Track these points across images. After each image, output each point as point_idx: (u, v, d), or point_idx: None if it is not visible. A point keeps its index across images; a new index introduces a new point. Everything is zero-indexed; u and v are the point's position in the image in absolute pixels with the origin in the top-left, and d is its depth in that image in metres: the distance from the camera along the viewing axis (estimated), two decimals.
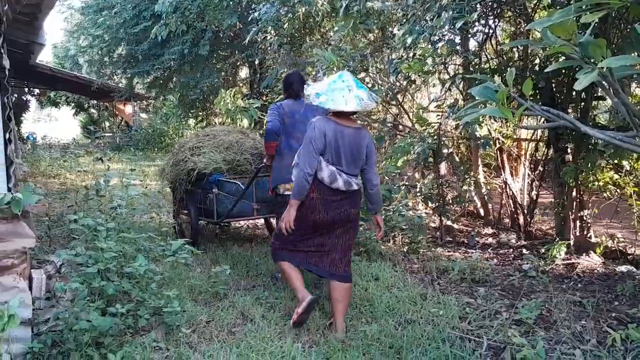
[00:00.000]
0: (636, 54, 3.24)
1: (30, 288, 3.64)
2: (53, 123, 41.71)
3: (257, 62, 12.65)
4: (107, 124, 28.74)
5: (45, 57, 29.54)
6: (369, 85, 6.90)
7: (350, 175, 3.49)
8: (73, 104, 29.31)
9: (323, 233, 3.58)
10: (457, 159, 7.30)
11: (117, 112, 25.93)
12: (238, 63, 13.61)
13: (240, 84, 15.56)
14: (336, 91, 3.40)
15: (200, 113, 16.03)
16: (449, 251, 5.60)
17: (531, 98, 5.32)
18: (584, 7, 2.05)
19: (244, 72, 15.52)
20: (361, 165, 3.54)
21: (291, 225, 3.47)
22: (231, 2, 10.02)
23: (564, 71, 4.98)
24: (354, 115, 3.70)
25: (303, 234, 3.58)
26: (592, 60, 2.09)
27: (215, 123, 13.76)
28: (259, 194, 5.38)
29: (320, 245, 3.61)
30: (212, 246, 5.65)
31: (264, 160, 4.90)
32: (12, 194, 3.13)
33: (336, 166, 3.44)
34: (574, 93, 5.17)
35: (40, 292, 3.74)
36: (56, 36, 49.22)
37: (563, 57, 2.26)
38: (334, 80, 3.48)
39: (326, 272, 3.60)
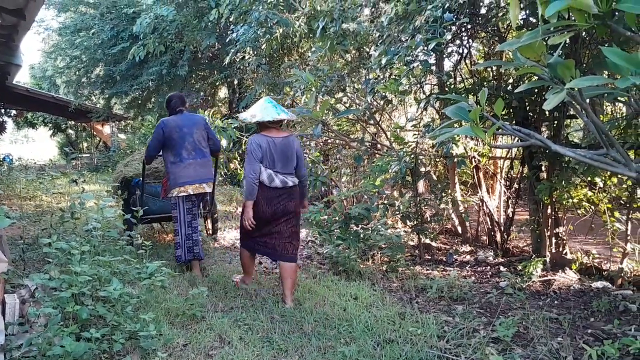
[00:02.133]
0: (606, 74, 3.31)
1: (4, 313, 3.55)
2: (30, 144, 41.19)
3: (235, 82, 12.69)
4: (84, 144, 28.45)
5: (22, 77, 29.27)
6: (347, 105, 6.95)
7: (286, 174, 4.46)
8: (50, 125, 29.00)
9: (270, 222, 4.50)
10: (434, 177, 7.35)
11: (95, 133, 25.69)
12: (217, 83, 13.61)
13: (220, 104, 15.55)
14: (267, 109, 4.48)
15: None
16: (427, 269, 5.61)
17: (505, 117, 5.42)
18: (552, 29, 2.09)
19: (223, 92, 15.53)
20: (294, 165, 4.53)
21: (252, 221, 4.41)
22: (209, 23, 10.04)
23: (536, 90, 5.06)
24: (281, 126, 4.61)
25: (256, 227, 4.47)
26: (561, 80, 2.13)
27: None
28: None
29: (270, 234, 4.54)
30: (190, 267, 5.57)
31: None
32: None
33: (273, 169, 4.41)
34: (546, 112, 5.25)
35: (14, 317, 3.64)
36: (33, 57, 48.91)
37: (535, 77, 2.30)
38: (263, 103, 4.59)
39: (277, 255, 4.55)
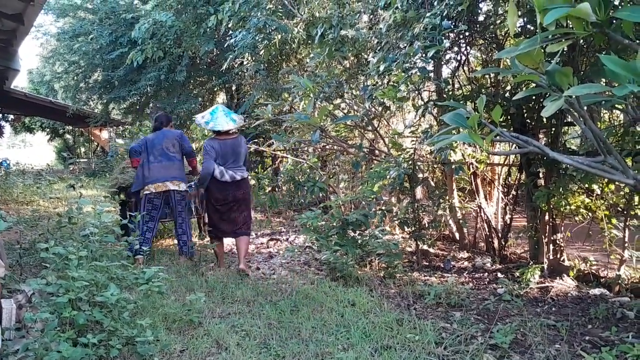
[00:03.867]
0: (603, 81, 3.32)
1: (0, 318, 3.54)
2: (27, 149, 41.13)
3: (234, 87, 12.69)
4: (82, 149, 28.42)
5: (20, 82, 29.27)
6: (345, 111, 6.95)
7: (235, 168, 5.72)
8: (48, 130, 28.97)
9: (224, 206, 5.78)
10: (432, 183, 7.35)
11: (92, 138, 25.67)
12: (215, 89, 13.58)
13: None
14: (219, 118, 5.71)
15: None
16: (425, 275, 5.60)
17: (503, 124, 5.43)
18: (550, 36, 2.10)
19: (221, 98, 15.51)
20: (243, 160, 5.81)
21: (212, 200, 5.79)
22: (208, 29, 10.05)
23: (534, 97, 5.07)
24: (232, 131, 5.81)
25: (216, 213, 5.82)
26: (559, 88, 2.14)
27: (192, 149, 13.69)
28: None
29: (228, 218, 5.80)
30: (187, 273, 5.57)
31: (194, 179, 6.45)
32: None
33: (224, 166, 5.68)
34: (544, 119, 5.27)
35: (10, 322, 3.63)
36: (31, 62, 48.90)
37: (533, 85, 2.31)
38: (214, 110, 5.84)
39: (233, 232, 5.86)
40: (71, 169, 21.64)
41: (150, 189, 5.96)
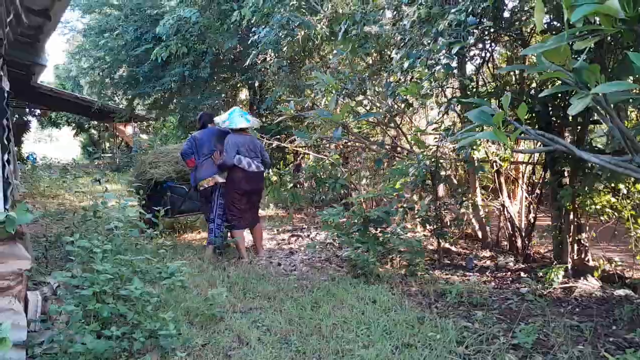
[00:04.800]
0: (631, 79, 3.27)
1: (26, 310, 3.61)
2: (53, 143, 41.80)
3: (257, 84, 12.72)
4: (107, 144, 28.80)
5: (47, 77, 29.78)
6: (367, 108, 6.94)
7: (257, 160, 6.24)
8: (74, 125, 29.43)
9: (250, 197, 6.27)
10: (454, 181, 7.29)
11: (117, 133, 26.02)
12: (238, 85, 13.66)
13: (240, 106, 15.61)
14: (235, 118, 6.22)
15: None
16: (446, 274, 5.57)
17: (528, 122, 5.36)
18: (577, 33, 2.07)
19: (244, 94, 15.58)
20: (259, 154, 6.29)
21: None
22: (231, 25, 10.10)
23: (560, 95, 5.00)
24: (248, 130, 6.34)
25: (242, 204, 6.20)
26: (586, 85, 2.11)
27: None
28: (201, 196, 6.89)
29: (247, 208, 6.28)
30: (209, 268, 5.62)
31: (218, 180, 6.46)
32: (6, 212, 3.12)
33: (250, 157, 6.16)
34: (570, 117, 5.19)
35: (36, 314, 3.71)
36: (58, 57, 49.49)
37: (559, 82, 2.28)
38: (231, 112, 6.36)
39: (253, 222, 6.43)
40: (96, 163, 21.95)
41: (203, 184, 6.43)
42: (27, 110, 23.63)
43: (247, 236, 6.66)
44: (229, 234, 6.31)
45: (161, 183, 7.26)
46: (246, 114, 6.41)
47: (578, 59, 2.19)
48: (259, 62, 9.74)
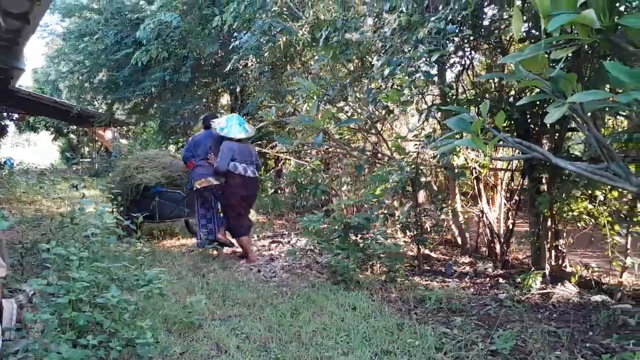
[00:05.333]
0: (608, 87, 3.31)
1: (1, 318, 3.53)
2: (31, 148, 41.19)
3: (238, 89, 12.68)
4: (86, 149, 28.48)
5: (25, 81, 29.36)
6: (349, 114, 6.95)
7: (252, 166, 6.36)
8: (52, 129, 29.04)
9: (247, 202, 6.45)
10: (435, 187, 7.32)
11: (96, 138, 25.72)
12: (219, 90, 13.59)
13: (222, 111, 15.53)
14: (233, 127, 6.35)
15: (181, 139, 15.95)
16: (426, 280, 5.59)
17: (506, 129, 5.41)
18: (554, 42, 2.09)
19: (225, 99, 15.52)
20: (254, 160, 6.44)
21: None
22: (213, 30, 10.07)
23: (538, 103, 5.05)
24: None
25: (241, 209, 6.35)
26: (563, 94, 2.13)
27: None
28: (188, 202, 7.45)
29: (244, 213, 6.45)
30: (189, 275, 5.57)
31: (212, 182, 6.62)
32: None
33: (246, 163, 6.29)
34: (548, 125, 5.25)
35: (11, 322, 3.62)
36: (37, 61, 48.97)
37: (537, 90, 2.30)
38: (230, 118, 6.49)
39: (248, 229, 6.55)
40: (75, 168, 21.68)
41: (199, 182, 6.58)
42: (5, 114, 23.25)
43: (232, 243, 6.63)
44: (220, 235, 6.59)
45: (150, 188, 7.28)
46: (244, 123, 6.55)
47: (555, 67, 2.21)
48: (241, 67, 9.72)
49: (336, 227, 5.84)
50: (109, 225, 4.59)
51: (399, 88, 5.31)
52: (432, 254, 6.67)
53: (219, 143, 6.44)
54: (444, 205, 6.44)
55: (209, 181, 6.50)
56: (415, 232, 6.16)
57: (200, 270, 5.82)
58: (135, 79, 12.96)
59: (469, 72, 6.31)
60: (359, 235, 5.85)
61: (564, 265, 5.40)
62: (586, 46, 4.33)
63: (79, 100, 16.47)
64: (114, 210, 6.66)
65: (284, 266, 6.26)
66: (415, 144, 6.35)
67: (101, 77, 14.92)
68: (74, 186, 6.10)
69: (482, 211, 6.38)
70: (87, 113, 18.36)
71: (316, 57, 7.12)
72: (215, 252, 6.58)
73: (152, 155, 8.06)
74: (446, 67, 6.11)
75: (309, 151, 9.60)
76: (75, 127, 26.99)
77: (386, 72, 5.01)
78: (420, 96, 5.86)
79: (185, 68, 11.64)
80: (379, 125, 7.16)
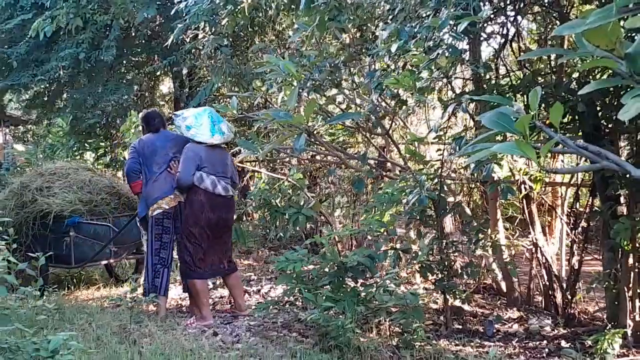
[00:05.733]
0: None
1: None
2: None
3: (184, 71, 12.69)
4: None
5: None
6: (343, 107, 6.98)
7: (226, 179, 6.46)
8: None
9: (215, 232, 6.37)
10: (467, 211, 7.35)
11: None
12: (158, 73, 13.60)
13: (161, 102, 15.56)
14: (203, 126, 6.31)
15: (102, 144, 15.89)
16: (456, 344, 5.58)
17: (567, 127, 5.45)
18: (631, 5, 2.11)
19: (166, 86, 15.53)
20: (231, 172, 6.60)
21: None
22: None
23: (611, 91, 5.10)
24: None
25: (204, 241, 6.30)
26: None
27: (125, 158, 13.63)
28: (117, 237, 7.54)
29: (216, 246, 6.46)
30: (113, 340, 5.53)
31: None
32: None
33: (215, 175, 6.34)
34: (625, 122, 5.28)
35: None
36: None
37: (609, 72, 2.32)
38: (199, 114, 6.40)
39: (225, 270, 6.64)
40: None
41: (162, 205, 6.56)
42: None
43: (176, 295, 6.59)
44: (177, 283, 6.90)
45: (62, 218, 7.27)
46: (220, 121, 6.57)
47: (634, 39, 2.22)
48: (188, 40, 9.73)
49: (326, 270, 5.83)
50: None
51: (414, 69, 5.34)
52: (465, 307, 6.67)
53: (182, 146, 6.48)
54: (480, 236, 6.45)
55: (178, 197, 6.55)
56: (440, 276, 6.15)
57: (130, 333, 5.77)
58: (35, 58, 12.90)
59: (513, 46, 6.36)
60: (360, 281, 5.84)
61: None
62: None
63: None
64: (6, 247, 6.61)
65: (251, 326, 6.24)
66: (439, 149, 6.37)
67: None
68: None
69: (535, 244, 6.40)
70: None
71: (296, 26, 7.16)
72: (153, 307, 6.54)
73: (62, 169, 8.04)
74: (480, 39, 6.16)
75: (286, 160, 9.61)
76: None
77: (395, 46, 5.03)
78: (444, 81, 5.89)
79: (108, 42, 11.60)
80: (386, 123, 7.18)
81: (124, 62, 13.27)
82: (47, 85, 13.98)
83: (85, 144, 15.98)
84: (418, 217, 6.21)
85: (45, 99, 15.01)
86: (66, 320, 6.07)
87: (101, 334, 5.66)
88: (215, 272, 6.62)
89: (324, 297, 5.62)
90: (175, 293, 7.47)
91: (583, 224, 6.36)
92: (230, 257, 6.79)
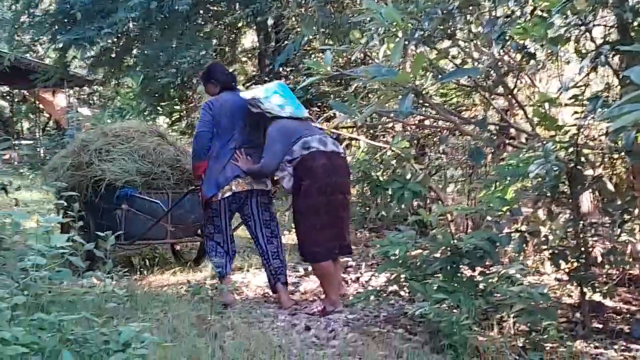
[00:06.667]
0: None
1: None
2: None
3: (270, 22, 12.78)
4: (25, 125, 29.32)
5: None
6: (457, 61, 6.89)
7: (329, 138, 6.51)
8: None
9: (328, 197, 6.15)
10: (610, 186, 7.18)
11: (41, 106, 26.42)
12: (240, 24, 13.76)
13: (244, 59, 15.75)
14: (276, 98, 6.38)
15: (177, 107, 16.19)
16: (596, 346, 5.49)
17: None
18: None
19: (249, 40, 15.70)
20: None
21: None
22: None
23: None
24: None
25: (325, 214, 6.16)
26: None
27: None
28: (175, 214, 7.52)
29: (331, 217, 6.23)
30: (191, 333, 5.65)
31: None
32: None
33: (318, 134, 6.39)
34: None
35: None
36: None
37: None
38: (269, 89, 6.49)
39: (348, 247, 6.68)
40: (6, 156, 22.37)
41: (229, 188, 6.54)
42: None
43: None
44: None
45: (115, 188, 7.37)
46: (294, 98, 6.78)
47: None
48: None
49: (437, 255, 5.81)
50: (60, 252, 4.69)
51: (544, 15, 5.23)
52: (607, 302, 6.55)
53: (256, 122, 6.55)
54: (625, 218, 6.30)
55: (247, 184, 6.53)
56: (575, 264, 6.05)
57: (211, 326, 5.89)
58: (101, 9, 13.19)
59: None
60: (477, 269, 5.80)
61: None
62: None
63: (12, 45, 16.86)
64: (69, 225, 6.78)
65: (349, 320, 6.27)
66: (575, 112, 6.24)
67: (46, 7, 15.24)
68: (2, 187, 6.22)
69: None
70: (26, 65, 18.83)
71: None
72: (234, 296, 6.66)
73: (128, 132, 8.08)
74: None
75: (389, 125, 9.59)
76: (6, 88, 27.82)
77: None
78: (582, 29, 5.74)
79: None
80: (510, 81, 7.07)
81: (201, 12, 13.44)
82: (115, 39, 14.30)
83: (158, 107, 16.24)
84: (549, 194, 6.10)
85: (113, 55, 15.36)
86: (139, 308, 6.23)
87: (177, 325, 5.79)
88: (336, 250, 6.40)
89: (434, 288, 5.60)
90: (262, 280, 7.55)
91: None
92: (347, 231, 6.61)
